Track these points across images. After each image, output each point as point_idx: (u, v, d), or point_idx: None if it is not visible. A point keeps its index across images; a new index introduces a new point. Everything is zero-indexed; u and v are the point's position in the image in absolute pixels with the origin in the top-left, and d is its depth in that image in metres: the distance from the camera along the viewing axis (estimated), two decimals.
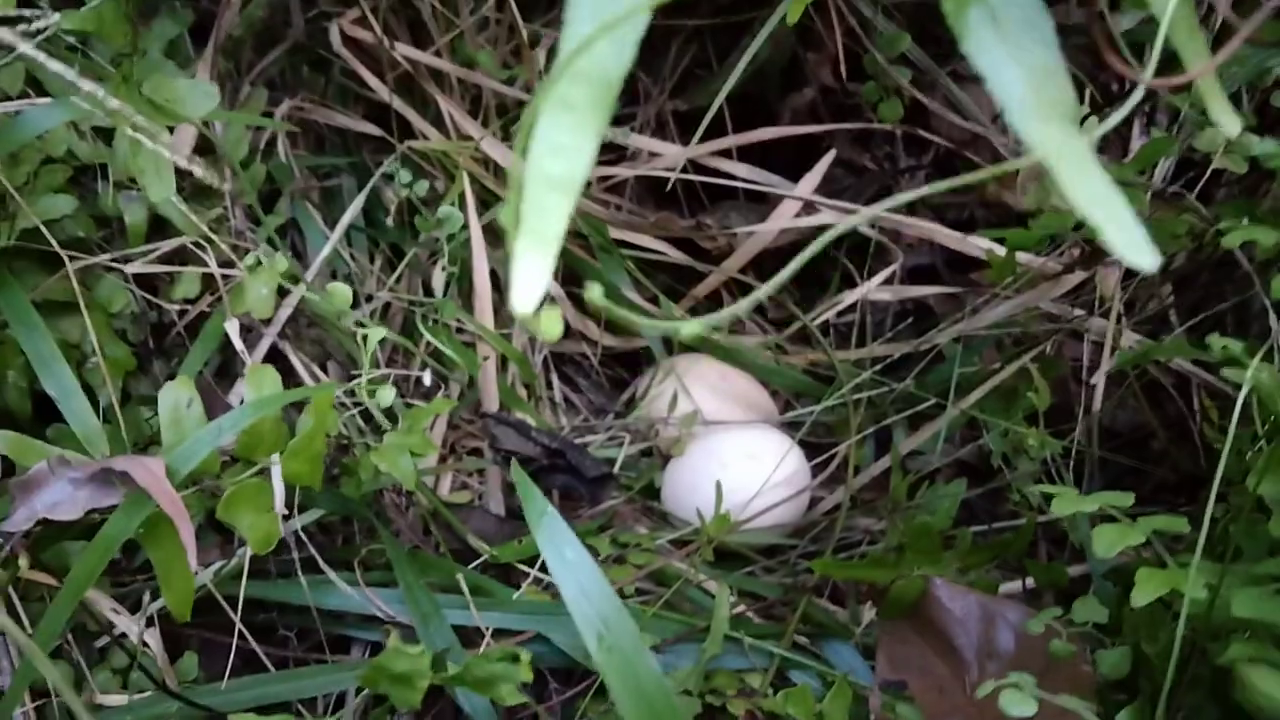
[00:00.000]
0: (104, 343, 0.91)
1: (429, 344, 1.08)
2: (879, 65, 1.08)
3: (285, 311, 0.97)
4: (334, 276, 1.07)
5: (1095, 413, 0.93)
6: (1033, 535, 0.89)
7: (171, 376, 0.97)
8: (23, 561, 0.68)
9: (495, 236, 1.08)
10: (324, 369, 1.04)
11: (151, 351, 0.94)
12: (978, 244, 1.04)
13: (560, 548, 0.63)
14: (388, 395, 0.78)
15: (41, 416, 0.85)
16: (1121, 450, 1.04)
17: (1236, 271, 0.97)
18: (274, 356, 0.99)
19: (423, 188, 1.01)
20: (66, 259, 0.81)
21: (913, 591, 0.85)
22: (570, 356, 1.24)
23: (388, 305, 1.11)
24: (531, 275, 0.36)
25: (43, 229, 0.80)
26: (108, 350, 0.90)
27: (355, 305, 1.11)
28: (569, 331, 1.22)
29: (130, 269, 0.85)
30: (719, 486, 0.93)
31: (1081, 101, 1.07)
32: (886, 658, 0.86)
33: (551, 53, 1.13)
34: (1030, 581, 0.88)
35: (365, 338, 0.75)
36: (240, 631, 0.79)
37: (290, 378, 1.00)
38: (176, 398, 0.67)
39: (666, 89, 1.24)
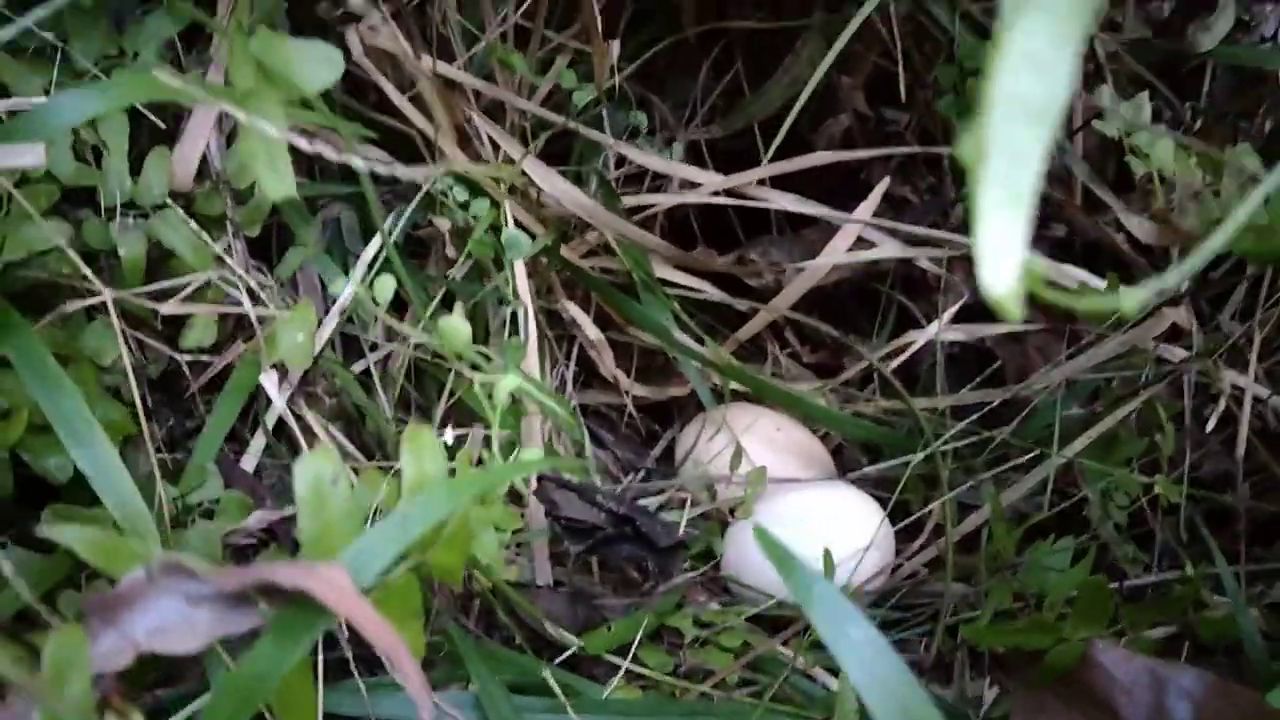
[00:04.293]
0: (95, 402, 0.76)
1: (448, 395, 0.95)
2: (957, 77, 0.99)
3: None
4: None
5: (1239, 459, 0.85)
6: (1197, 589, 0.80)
7: (172, 440, 0.83)
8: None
9: (539, 276, 0.96)
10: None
11: (150, 411, 0.78)
12: (1071, 274, 0.96)
13: (843, 626, 0.48)
14: (534, 456, 0.62)
15: (28, 499, 0.69)
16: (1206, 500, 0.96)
17: None
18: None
19: (482, 207, 0.88)
20: (94, 286, 0.65)
21: (1070, 657, 0.75)
22: (595, 408, 1.11)
23: (388, 355, 0.97)
24: (1005, 240, 0.27)
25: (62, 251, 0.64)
26: (101, 411, 0.75)
27: (361, 355, 0.98)
28: (594, 381, 1.10)
29: (163, 309, 0.70)
30: (828, 555, 0.81)
31: None
32: None
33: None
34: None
35: (489, 388, 0.60)
36: None
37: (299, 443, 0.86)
38: (318, 473, 0.49)
39: (699, 116, 1.14)
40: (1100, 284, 0.92)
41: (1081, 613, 0.74)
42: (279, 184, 0.49)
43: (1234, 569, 0.82)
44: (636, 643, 0.78)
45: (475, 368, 0.60)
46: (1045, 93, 0.27)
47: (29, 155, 0.52)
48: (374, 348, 0.96)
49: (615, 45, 0.94)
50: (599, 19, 0.87)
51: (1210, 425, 0.90)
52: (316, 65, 0.49)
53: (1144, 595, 0.89)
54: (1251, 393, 0.89)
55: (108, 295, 0.67)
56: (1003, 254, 0.27)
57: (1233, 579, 0.80)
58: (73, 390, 0.61)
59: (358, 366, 0.95)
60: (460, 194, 0.89)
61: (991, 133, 0.27)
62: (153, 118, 0.79)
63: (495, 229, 0.95)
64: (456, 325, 0.58)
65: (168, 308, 0.71)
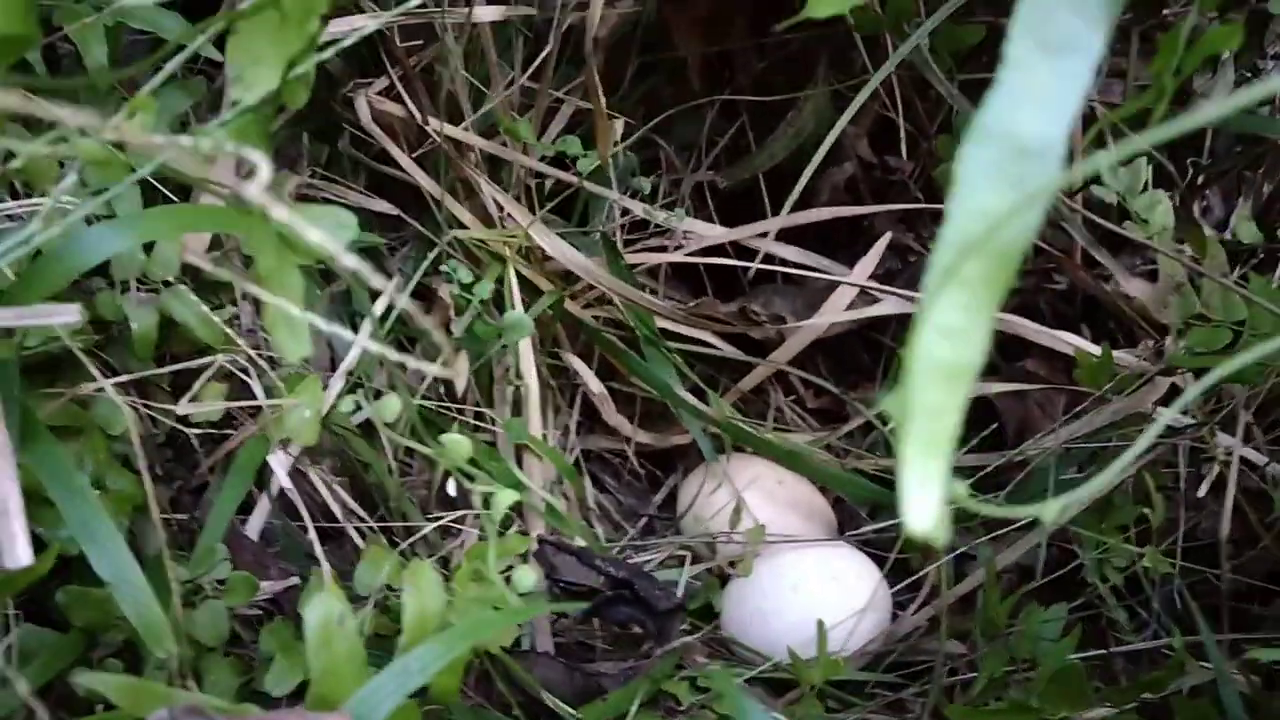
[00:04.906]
0: (104, 473, 0.77)
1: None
2: (954, 146, 1.00)
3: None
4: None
5: (1223, 539, 0.86)
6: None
7: (178, 499, 0.85)
8: None
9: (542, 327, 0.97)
10: None
11: (159, 478, 0.80)
12: (1067, 340, 0.97)
13: None
14: (528, 580, 0.63)
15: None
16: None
17: None
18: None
19: (486, 289, 0.89)
20: (98, 374, 0.66)
21: None
22: (598, 453, 1.13)
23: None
24: (924, 486, 0.30)
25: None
26: (111, 481, 0.77)
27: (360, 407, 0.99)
28: (597, 426, 1.11)
29: (179, 409, 0.71)
30: (822, 627, 0.83)
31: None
32: None
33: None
34: None
35: (490, 500, 0.62)
36: None
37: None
38: (326, 612, 0.51)
39: (704, 164, 1.15)
40: (1095, 350, 0.93)
41: (1060, 694, 0.75)
42: (298, 348, 0.50)
43: (1220, 637, 0.83)
44: (633, 713, 0.80)
45: (473, 477, 0.61)
46: (961, 358, 0.30)
47: (66, 315, 0.52)
48: (377, 395, 0.98)
49: (619, 124, 0.95)
50: (602, 94, 0.87)
51: (1203, 490, 0.91)
52: (331, 232, 0.51)
53: (1139, 659, 0.91)
54: (1239, 454, 0.89)
55: (122, 401, 0.68)
56: (923, 498, 0.29)
57: (1217, 649, 0.81)
58: (87, 494, 0.62)
59: (359, 417, 0.96)
60: (465, 275, 0.90)
61: (913, 393, 0.30)
62: (166, 191, 0.80)
63: (499, 281, 0.97)
64: (458, 441, 0.59)
65: (183, 408, 0.72)
